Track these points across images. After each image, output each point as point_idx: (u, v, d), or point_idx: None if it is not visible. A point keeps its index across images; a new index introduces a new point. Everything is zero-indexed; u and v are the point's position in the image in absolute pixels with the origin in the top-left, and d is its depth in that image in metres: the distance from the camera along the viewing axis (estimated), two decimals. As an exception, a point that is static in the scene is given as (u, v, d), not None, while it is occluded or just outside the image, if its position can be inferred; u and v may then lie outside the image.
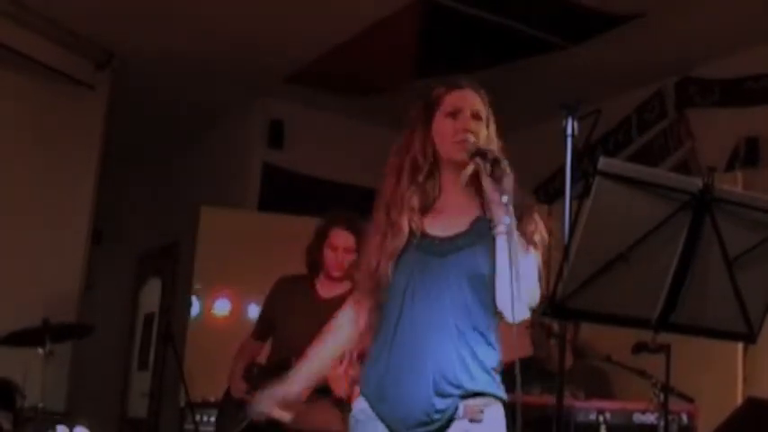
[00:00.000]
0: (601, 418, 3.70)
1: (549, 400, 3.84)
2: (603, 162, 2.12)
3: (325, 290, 4.14)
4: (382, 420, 2.41)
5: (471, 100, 2.55)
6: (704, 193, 2.17)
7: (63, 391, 5.78)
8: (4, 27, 5.42)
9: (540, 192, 6.54)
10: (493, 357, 2.42)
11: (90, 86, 6.00)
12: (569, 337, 4.30)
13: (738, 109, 5.54)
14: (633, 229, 2.13)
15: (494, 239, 2.37)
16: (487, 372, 2.40)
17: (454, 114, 2.51)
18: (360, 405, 2.47)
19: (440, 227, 2.47)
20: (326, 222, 4.13)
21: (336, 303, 3.53)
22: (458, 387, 2.35)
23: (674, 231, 2.17)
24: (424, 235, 2.46)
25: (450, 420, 2.36)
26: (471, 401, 2.36)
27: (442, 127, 2.52)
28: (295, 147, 6.79)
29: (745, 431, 3.77)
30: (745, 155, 5.39)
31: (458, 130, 2.49)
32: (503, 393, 2.41)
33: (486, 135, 2.51)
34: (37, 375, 4.55)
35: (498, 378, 2.42)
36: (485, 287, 2.40)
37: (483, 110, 2.54)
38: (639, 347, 3.60)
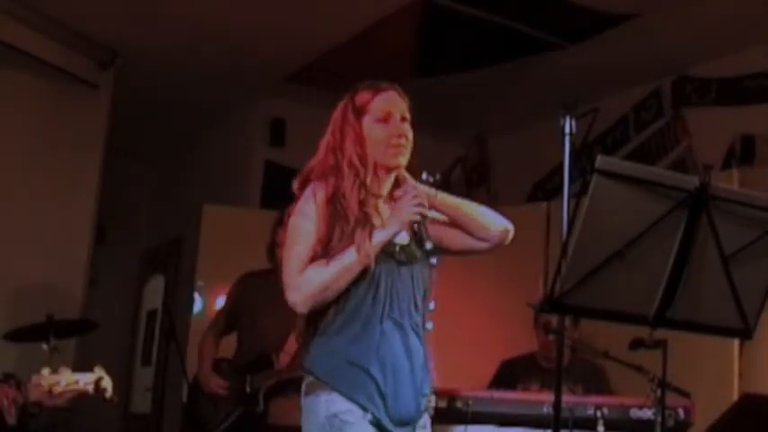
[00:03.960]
0: (598, 414, 3.72)
1: (548, 395, 3.90)
2: (601, 160, 2.14)
3: None
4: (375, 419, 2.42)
5: (399, 103, 2.53)
6: (701, 191, 2.20)
7: (66, 388, 5.78)
8: (7, 26, 5.41)
9: (539, 190, 6.57)
10: None
11: (93, 85, 6.00)
12: (576, 336, 4.33)
13: (735, 107, 5.56)
14: (630, 227, 2.16)
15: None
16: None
17: (385, 119, 2.49)
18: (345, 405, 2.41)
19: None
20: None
21: None
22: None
23: (671, 229, 2.19)
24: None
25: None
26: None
27: (374, 132, 2.49)
28: (297, 145, 6.79)
29: (740, 427, 3.80)
30: (741, 153, 5.40)
31: (392, 135, 2.47)
32: None
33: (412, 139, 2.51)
34: (41, 372, 4.57)
35: None
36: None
37: (408, 113, 2.53)
38: (636, 343, 3.61)
